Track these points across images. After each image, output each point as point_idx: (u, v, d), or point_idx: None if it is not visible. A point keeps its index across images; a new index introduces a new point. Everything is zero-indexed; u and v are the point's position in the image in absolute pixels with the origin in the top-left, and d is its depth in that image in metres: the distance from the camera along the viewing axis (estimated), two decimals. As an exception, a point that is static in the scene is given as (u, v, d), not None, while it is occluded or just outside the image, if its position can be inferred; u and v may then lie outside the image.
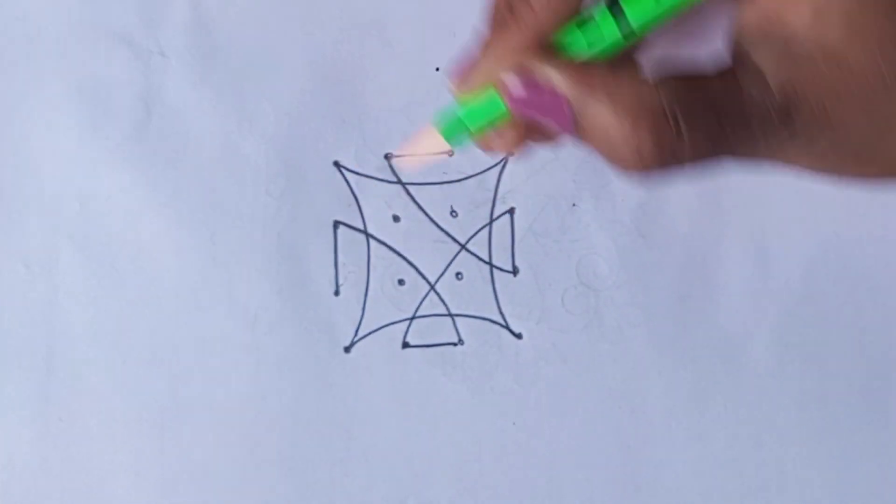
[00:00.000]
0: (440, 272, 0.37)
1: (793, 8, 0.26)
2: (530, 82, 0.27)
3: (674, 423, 0.37)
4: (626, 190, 0.37)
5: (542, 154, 0.37)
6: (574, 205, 0.37)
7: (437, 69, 0.36)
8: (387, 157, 0.37)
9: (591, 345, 0.37)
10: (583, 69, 0.26)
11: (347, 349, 0.37)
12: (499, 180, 0.37)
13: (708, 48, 0.30)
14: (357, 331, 0.37)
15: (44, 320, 0.36)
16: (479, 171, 0.37)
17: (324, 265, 0.37)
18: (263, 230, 0.37)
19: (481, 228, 0.37)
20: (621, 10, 0.26)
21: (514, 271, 0.37)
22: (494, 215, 0.37)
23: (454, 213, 0.37)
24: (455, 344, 0.37)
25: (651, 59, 0.30)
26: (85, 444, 0.36)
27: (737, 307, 0.37)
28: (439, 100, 0.36)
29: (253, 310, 0.37)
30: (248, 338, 0.37)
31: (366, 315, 0.37)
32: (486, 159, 0.37)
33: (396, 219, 0.37)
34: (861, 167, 0.28)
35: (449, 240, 0.37)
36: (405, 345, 0.37)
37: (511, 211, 0.37)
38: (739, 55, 0.27)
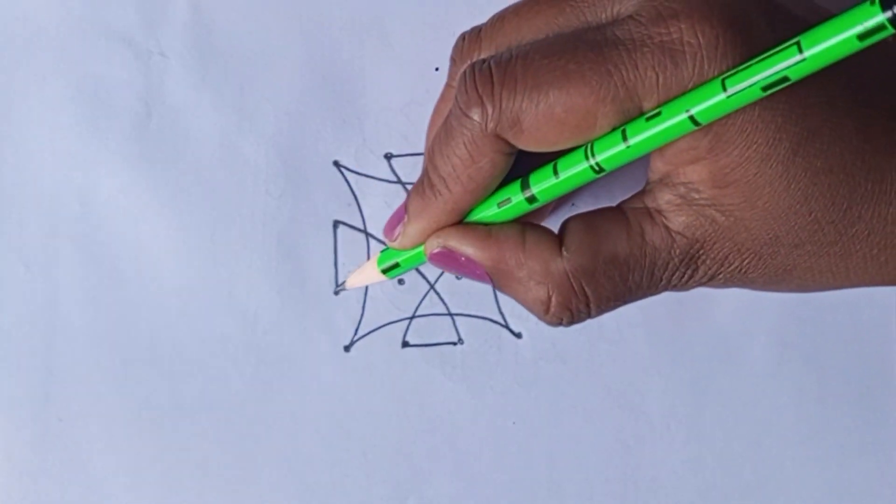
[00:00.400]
0: (440, 271, 0.37)
1: (694, 168, 0.27)
2: (450, 251, 0.29)
3: (673, 422, 0.37)
4: (624, 189, 0.37)
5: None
6: (573, 204, 0.37)
7: (437, 69, 0.37)
8: (387, 156, 0.37)
9: (591, 344, 0.37)
10: (496, 244, 0.29)
11: (347, 349, 0.37)
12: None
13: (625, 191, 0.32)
14: (357, 330, 0.37)
15: (44, 320, 0.36)
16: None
17: (324, 265, 0.37)
18: (263, 230, 0.37)
19: (481, 228, 0.37)
20: (528, 185, 0.29)
21: (514, 271, 0.37)
22: (494, 215, 0.37)
23: (454, 213, 0.37)
24: (455, 343, 0.37)
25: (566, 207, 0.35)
26: (85, 444, 0.36)
27: (735, 307, 0.37)
28: (439, 100, 0.36)
29: (253, 310, 0.37)
30: (248, 338, 0.37)
31: (366, 314, 0.37)
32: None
33: (396, 219, 0.37)
34: (767, 289, 0.30)
35: (449, 239, 0.37)
36: (405, 344, 0.37)
37: (511, 211, 0.37)
38: (647, 203, 0.28)
